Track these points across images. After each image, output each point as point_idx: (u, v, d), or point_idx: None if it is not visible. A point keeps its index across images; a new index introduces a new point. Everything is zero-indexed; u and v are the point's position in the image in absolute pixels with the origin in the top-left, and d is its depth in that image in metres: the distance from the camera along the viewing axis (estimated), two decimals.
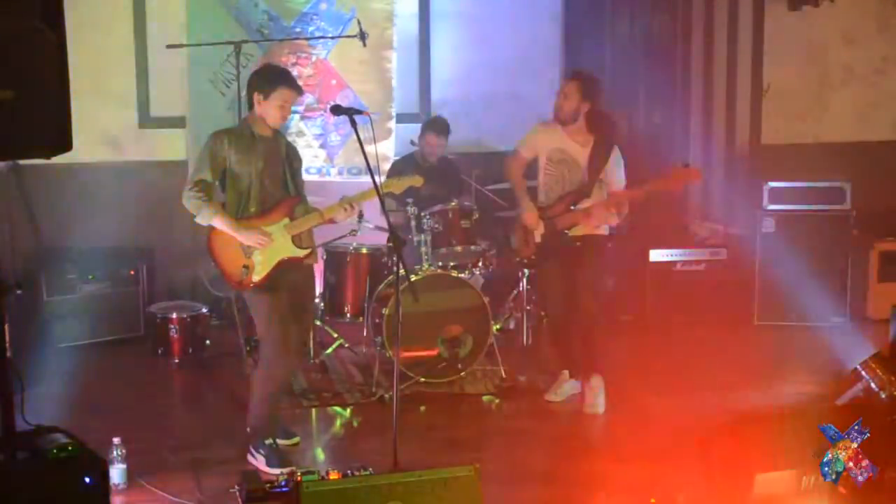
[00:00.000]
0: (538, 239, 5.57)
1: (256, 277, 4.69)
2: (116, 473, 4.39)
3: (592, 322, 5.53)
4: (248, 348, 6.20)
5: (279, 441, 4.94)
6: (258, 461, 4.76)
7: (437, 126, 6.71)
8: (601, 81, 5.64)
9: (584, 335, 5.57)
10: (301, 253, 4.76)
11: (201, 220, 4.65)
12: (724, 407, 5.48)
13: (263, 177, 4.72)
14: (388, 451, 4.20)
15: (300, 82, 7.05)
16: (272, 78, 4.75)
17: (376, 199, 4.45)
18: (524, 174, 5.71)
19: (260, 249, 4.67)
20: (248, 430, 4.89)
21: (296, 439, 5.08)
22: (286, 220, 4.73)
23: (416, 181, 5.19)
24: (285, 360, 4.80)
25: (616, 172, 5.49)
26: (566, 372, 5.72)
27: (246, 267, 4.68)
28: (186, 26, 6.94)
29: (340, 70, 7.32)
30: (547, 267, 5.68)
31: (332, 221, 4.86)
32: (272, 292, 4.72)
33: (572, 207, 5.49)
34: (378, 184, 4.37)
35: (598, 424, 5.40)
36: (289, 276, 4.77)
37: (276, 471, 4.48)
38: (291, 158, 4.88)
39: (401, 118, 7.44)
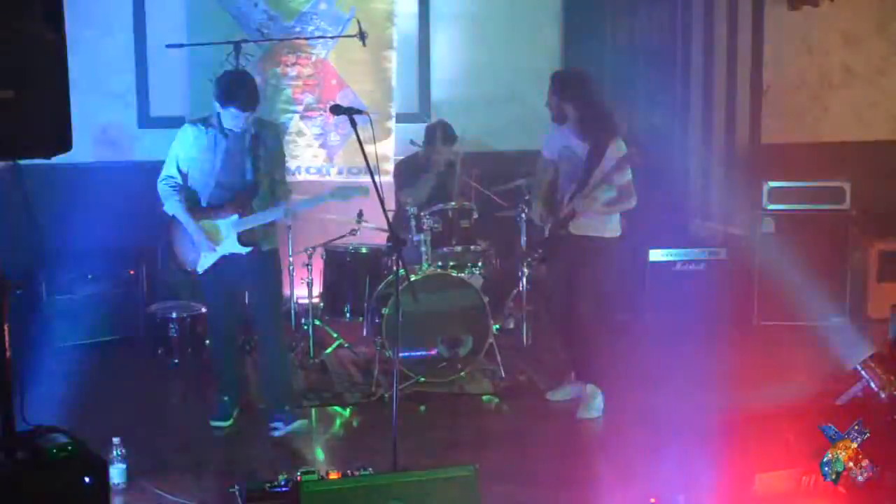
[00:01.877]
0: (546, 234, 5.52)
1: (200, 269, 5.11)
2: (116, 473, 4.40)
3: (587, 327, 5.45)
4: (247, 347, 6.26)
5: (290, 427, 5.20)
6: None
7: (447, 137, 6.57)
8: (582, 76, 5.56)
9: (579, 340, 5.53)
10: (243, 250, 5.04)
11: (167, 208, 5.08)
12: (724, 407, 5.48)
13: (219, 175, 5.01)
14: (388, 451, 4.19)
15: (299, 82, 7.19)
16: (225, 95, 4.93)
17: (377, 199, 4.45)
18: (548, 172, 5.67)
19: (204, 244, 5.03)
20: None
21: (222, 423, 5.24)
22: (234, 217, 5.01)
23: (363, 192, 5.19)
24: (215, 340, 5.49)
25: (609, 168, 5.28)
26: (573, 373, 5.71)
27: (192, 258, 5.09)
28: (186, 26, 6.94)
29: (340, 70, 7.32)
30: (551, 265, 5.67)
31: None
32: (213, 283, 5.17)
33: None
34: (378, 184, 4.37)
35: (597, 424, 5.40)
36: (233, 269, 5.09)
37: (213, 422, 5.21)
38: (258, 150, 5.00)
39: (401, 118, 7.44)
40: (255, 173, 5.01)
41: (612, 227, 5.45)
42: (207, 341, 6.49)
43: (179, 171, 5.05)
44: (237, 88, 4.94)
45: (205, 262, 5.09)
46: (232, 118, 4.96)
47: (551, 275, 5.72)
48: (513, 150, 7.63)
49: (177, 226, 5.10)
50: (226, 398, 5.31)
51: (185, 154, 5.04)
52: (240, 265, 5.10)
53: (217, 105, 4.97)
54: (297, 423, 5.20)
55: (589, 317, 5.44)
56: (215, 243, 5.04)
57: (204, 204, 5.06)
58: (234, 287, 5.22)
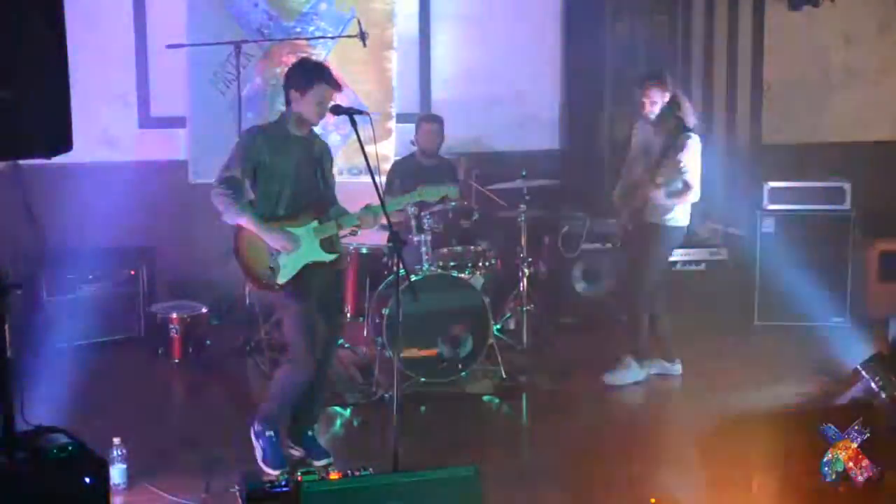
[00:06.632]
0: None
1: (282, 280, 4.59)
2: (116, 473, 4.39)
3: (633, 304, 5.95)
4: (248, 347, 6.25)
5: (316, 463, 4.74)
6: (256, 450, 4.71)
7: (427, 116, 6.74)
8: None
9: (628, 314, 6.05)
10: (328, 258, 4.67)
11: (227, 218, 4.54)
12: (724, 407, 5.48)
13: (295, 179, 4.64)
14: (388, 451, 4.19)
15: None
16: (310, 74, 4.61)
17: (376, 199, 4.45)
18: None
19: (286, 252, 4.58)
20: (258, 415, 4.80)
21: (326, 461, 4.76)
22: (315, 223, 4.64)
23: (452, 192, 5.11)
24: (309, 364, 4.64)
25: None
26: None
27: (271, 269, 4.58)
28: (186, 26, 6.93)
29: (340, 70, 7.28)
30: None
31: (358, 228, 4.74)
32: (299, 296, 4.61)
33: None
34: (378, 184, 4.37)
35: (597, 424, 5.41)
36: (315, 279, 4.67)
37: (270, 470, 4.52)
38: (323, 159, 4.79)
39: (401, 118, 7.44)
40: (326, 181, 4.75)
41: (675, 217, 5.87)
42: (208, 341, 6.51)
43: (244, 170, 4.55)
44: (323, 69, 4.66)
45: (286, 271, 4.59)
46: (315, 102, 4.56)
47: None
48: (513, 150, 7.63)
49: (244, 237, 4.58)
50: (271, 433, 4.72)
51: (256, 151, 4.57)
52: (323, 277, 4.70)
53: (296, 94, 4.58)
54: (324, 461, 4.73)
55: (633, 294, 6.00)
56: (296, 251, 4.58)
57: (282, 209, 4.62)
58: (318, 301, 4.69)
